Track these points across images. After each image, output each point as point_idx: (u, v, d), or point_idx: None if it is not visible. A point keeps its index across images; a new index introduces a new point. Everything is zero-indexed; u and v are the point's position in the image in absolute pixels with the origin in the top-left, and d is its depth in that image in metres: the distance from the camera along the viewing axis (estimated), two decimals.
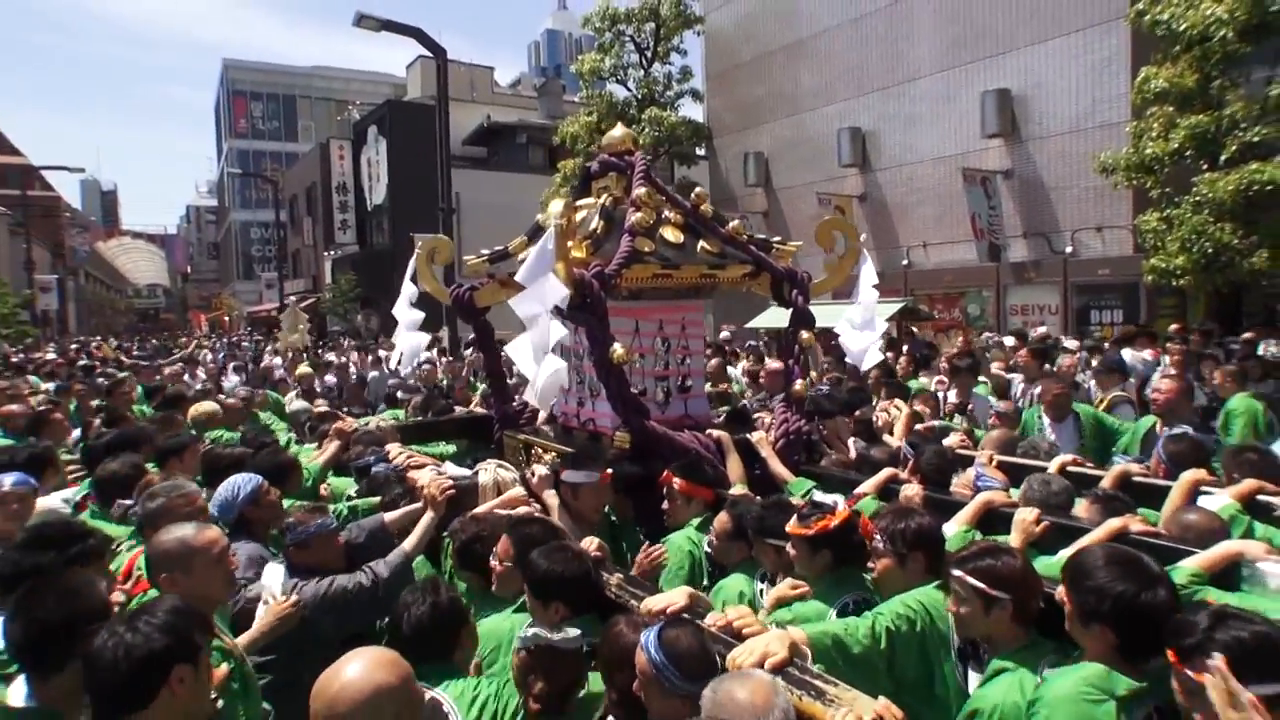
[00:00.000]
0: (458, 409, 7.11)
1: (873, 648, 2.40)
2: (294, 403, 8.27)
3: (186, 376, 12.91)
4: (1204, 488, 3.45)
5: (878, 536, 2.81)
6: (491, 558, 2.96)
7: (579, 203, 4.56)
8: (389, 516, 3.52)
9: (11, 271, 35.70)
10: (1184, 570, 2.56)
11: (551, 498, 3.65)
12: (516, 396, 5.52)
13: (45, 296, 36.41)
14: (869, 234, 19.81)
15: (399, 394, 8.71)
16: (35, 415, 6.25)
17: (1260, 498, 3.32)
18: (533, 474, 3.83)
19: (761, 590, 3.07)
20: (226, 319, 52.64)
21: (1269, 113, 8.06)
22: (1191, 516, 3.06)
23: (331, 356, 17.11)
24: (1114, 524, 2.98)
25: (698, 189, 4.89)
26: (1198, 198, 8.49)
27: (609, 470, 3.73)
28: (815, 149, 20.93)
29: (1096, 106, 15.08)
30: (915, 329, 15.82)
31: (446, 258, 5.16)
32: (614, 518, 3.88)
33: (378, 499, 3.89)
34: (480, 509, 3.50)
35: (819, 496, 3.11)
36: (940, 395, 7.20)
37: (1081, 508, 3.42)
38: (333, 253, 36.58)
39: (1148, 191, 9.78)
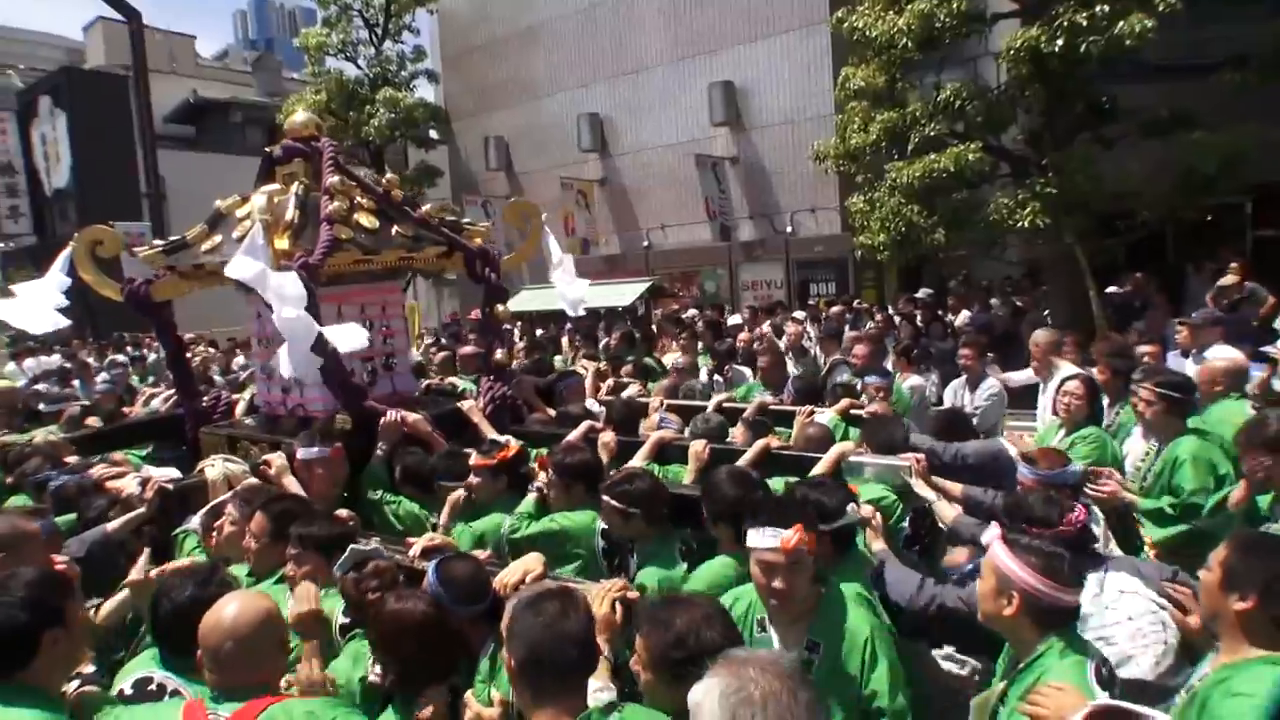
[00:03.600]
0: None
1: (514, 540, 3.32)
2: None
3: None
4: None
5: (549, 469, 3.53)
6: (246, 537, 3.12)
7: (270, 189, 4.52)
8: (111, 527, 3.50)
9: None
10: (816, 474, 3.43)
11: (293, 482, 3.79)
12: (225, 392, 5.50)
13: None
14: (610, 217, 20.53)
15: (41, 406, 7.54)
16: None
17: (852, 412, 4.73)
18: (268, 463, 3.89)
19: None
20: None
21: (938, 112, 9.42)
22: (810, 430, 4.26)
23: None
24: (760, 444, 3.91)
25: (388, 176, 5.08)
26: (891, 183, 9.74)
27: (339, 445, 3.93)
28: (555, 134, 21.19)
29: (807, 100, 16.79)
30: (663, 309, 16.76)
31: (115, 249, 4.81)
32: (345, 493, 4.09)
33: (74, 515, 3.73)
34: (222, 498, 3.55)
35: (495, 437, 3.96)
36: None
37: (737, 433, 4.49)
38: (2, 245, 30.96)
39: (853, 177, 11.06)
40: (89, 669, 2.46)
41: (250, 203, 4.42)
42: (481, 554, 3.01)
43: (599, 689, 2.05)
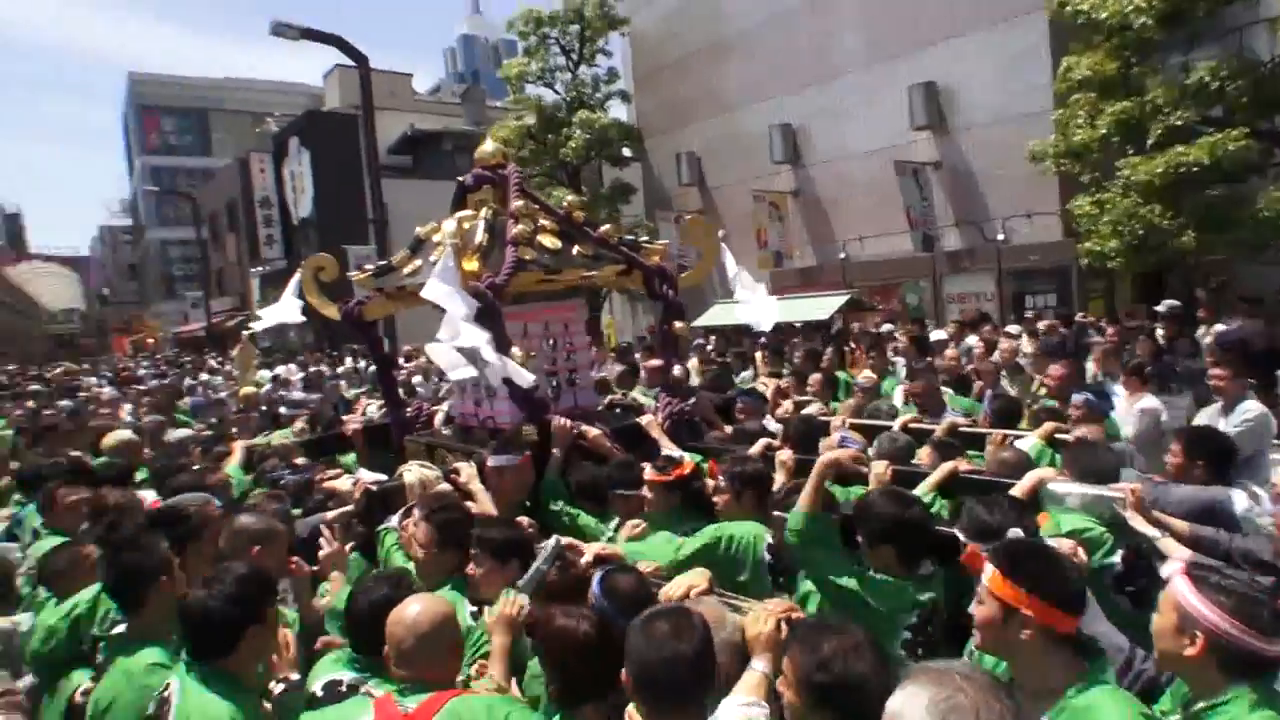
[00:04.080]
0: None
1: (692, 562, 3.07)
2: (177, 430, 7.93)
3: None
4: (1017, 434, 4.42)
5: (721, 476, 3.57)
6: (413, 545, 3.26)
7: (462, 215, 4.81)
8: (328, 516, 3.95)
9: None
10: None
11: (482, 491, 3.93)
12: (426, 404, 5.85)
13: None
14: (805, 229, 19.94)
15: (282, 410, 8.65)
16: None
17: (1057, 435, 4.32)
18: (457, 471, 4.07)
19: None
20: (150, 341, 50.44)
21: (1187, 97, 8.22)
22: (1005, 454, 3.94)
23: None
24: (947, 467, 3.66)
25: (568, 198, 5.30)
26: (1124, 181, 8.62)
27: (528, 453, 4.09)
28: (747, 146, 20.93)
29: (1019, 96, 15.36)
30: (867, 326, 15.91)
31: (333, 275, 5.35)
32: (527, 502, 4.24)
33: (299, 510, 4.28)
34: (413, 502, 3.80)
35: (670, 453, 3.95)
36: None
37: (923, 454, 4.19)
38: (260, 269, 35.27)
39: (1077, 177, 9.92)
40: (294, 676, 2.63)
41: (443, 228, 4.70)
42: (648, 567, 3.00)
43: (748, 704, 2.01)
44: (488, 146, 5.04)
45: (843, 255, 19.02)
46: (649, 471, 3.71)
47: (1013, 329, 11.07)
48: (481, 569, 2.96)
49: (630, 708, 2.15)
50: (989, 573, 2.04)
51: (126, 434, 6.42)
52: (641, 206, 23.41)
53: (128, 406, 12.24)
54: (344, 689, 2.47)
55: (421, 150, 33.37)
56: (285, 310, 5.30)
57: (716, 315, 16.31)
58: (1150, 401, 5.87)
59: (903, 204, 16.68)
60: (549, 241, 4.64)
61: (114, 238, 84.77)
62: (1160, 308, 9.32)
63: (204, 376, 16.79)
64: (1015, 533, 2.62)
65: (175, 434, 7.49)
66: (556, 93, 21.82)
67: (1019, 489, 3.29)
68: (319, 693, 2.50)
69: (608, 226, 5.13)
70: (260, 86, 63.45)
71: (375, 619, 2.40)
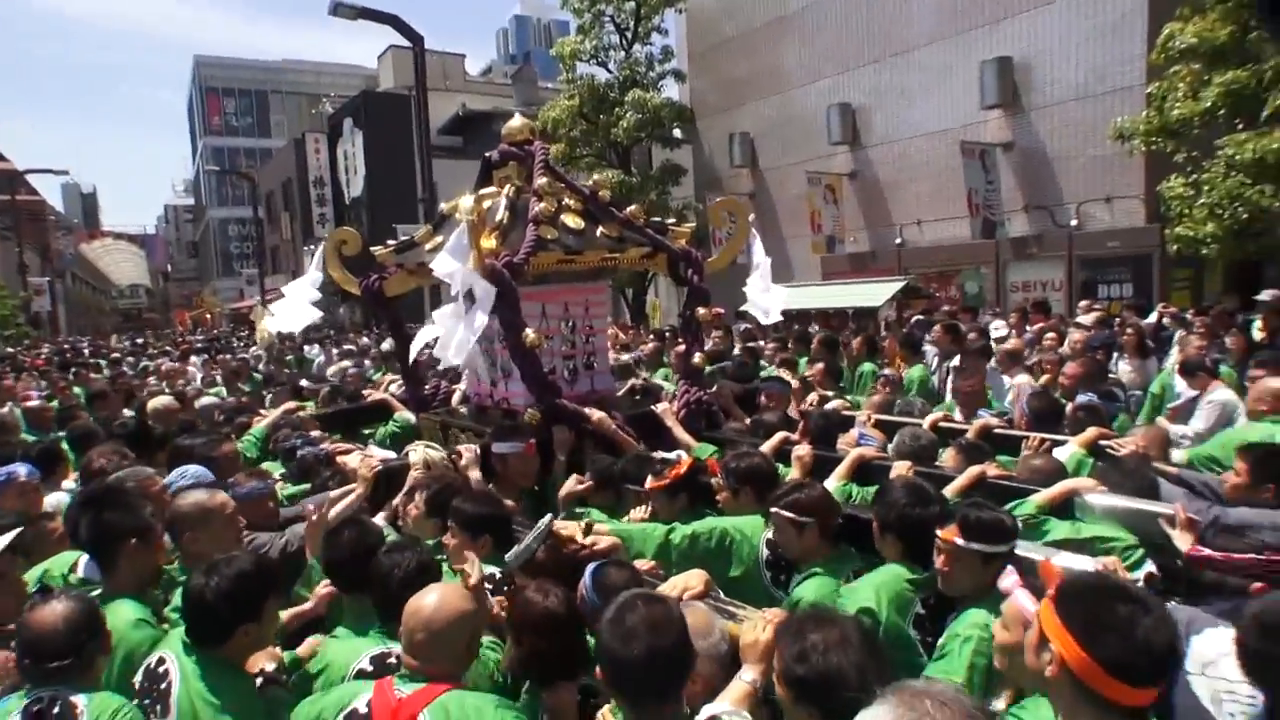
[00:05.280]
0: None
1: (682, 547, 3.10)
2: (203, 398, 8.21)
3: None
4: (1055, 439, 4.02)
5: (720, 474, 3.46)
6: (411, 506, 3.41)
7: (484, 192, 4.70)
8: (332, 494, 3.81)
9: (4, 275, 35.63)
10: (1031, 503, 3.08)
11: (475, 473, 3.90)
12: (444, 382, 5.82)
13: (39, 299, 37.65)
14: (860, 213, 19.20)
15: (303, 384, 8.57)
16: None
17: (1101, 442, 3.89)
18: (459, 454, 4.03)
19: None
20: (208, 317, 51.79)
21: None
22: (1036, 462, 3.67)
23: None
24: (973, 471, 3.44)
25: (595, 176, 4.91)
26: (1226, 160, 7.82)
27: (532, 441, 3.99)
28: (803, 127, 20.25)
29: (1107, 70, 14.38)
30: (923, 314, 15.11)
31: (355, 249, 5.24)
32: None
33: (308, 485, 4.33)
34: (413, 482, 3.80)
35: (665, 454, 3.73)
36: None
37: (948, 456, 3.93)
38: (312, 247, 35.69)
39: (1170, 157, 9.10)
40: (270, 666, 2.57)
41: (459, 204, 4.58)
42: (645, 564, 2.89)
43: (730, 713, 1.92)
44: (515, 122, 4.94)
45: (899, 240, 18.30)
46: (649, 480, 3.55)
47: (1085, 319, 10.30)
48: (454, 540, 3.02)
49: (605, 709, 2.12)
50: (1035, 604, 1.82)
51: (165, 400, 6.86)
52: (691, 188, 22.85)
53: (199, 374, 12.94)
54: (393, 660, 2.42)
55: (471, 130, 33.34)
56: (304, 288, 5.26)
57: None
58: (1223, 394, 5.47)
59: (965, 187, 15.85)
60: (572, 221, 4.53)
61: (177, 216, 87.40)
62: (1264, 296, 8.45)
63: (254, 350, 16.95)
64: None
65: (201, 402, 7.65)
66: (609, 72, 21.35)
67: (1045, 494, 3.13)
68: (367, 666, 2.46)
69: (633, 207, 5.00)
70: (317, 68, 64.37)
71: (406, 593, 2.33)
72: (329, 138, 35.40)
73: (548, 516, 2.90)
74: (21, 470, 3.99)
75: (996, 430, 4.36)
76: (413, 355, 5.01)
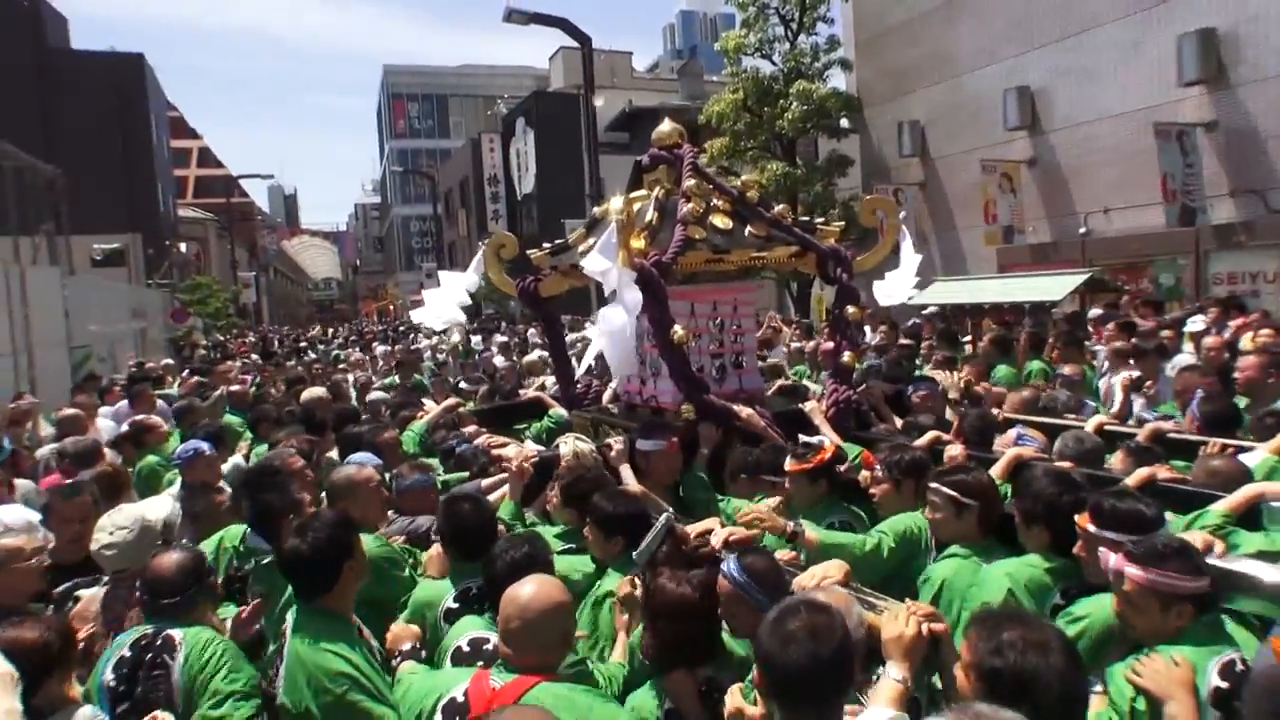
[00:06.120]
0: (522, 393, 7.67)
1: (874, 558, 3.00)
2: (374, 392, 8.77)
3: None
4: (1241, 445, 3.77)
5: (878, 466, 3.42)
6: (551, 495, 3.61)
7: (634, 195, 4.84)
8: (485, 482, 4.18)
9: (219, 270, 40.73)
10: (1215, 512, 2.85)
11: (626, 469, 3.94)
12: (596, 380, 5.95)
13: (247, 292, 42.23)
14: (1040, 201, 18.27)
15: (462, 384, 9.01)
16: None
17: None
18: (609, 446, 4.12)
19: None
20: (391, 308, 55.96)
21: None
22: (1216, 464, 3.45)
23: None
24: (1142, 473, 3.30)
25: (743, 178, 5.09)
26: None
27: (674, 440, 4.02)
28: (976, 113, 19.42)
29: None
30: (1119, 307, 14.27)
31: (512, 253, 5.38)
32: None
33: (466, 474, 4.60)
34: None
35: (808, 439, 3.65)
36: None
37: (1116, 459, 3.82)
38: (485, 243, 37.87)
39: None
40: (407, 646, 2.75)
41: (609, 206, 4.82)
42: (785, 555, 2.93)
43: (882, 716, 1.88)
44: (665, 127, 5.06)
45: (1083, 230, 17.20)
46: (788, 461, 3.54)
47: None
48: (590, 537, 3.13)
49: (735, 686, 2.17)
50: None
51: (318, 391, 7.82)
52: (859, 179, 22.49)
53: (380, 363, 14.03)
54: (489, 647, 2.49)
55: (638, 127, 34.10)
56: (457, 285, 5.42)
57: (936, 293, 15.36)
58: None
59: (1160, 171, 14.76)
60: (720, 221, 4.63)
61: (365, 214, 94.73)
62: None
63: (426, 341, 18.29)
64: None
65: (371, 397, 8.27)
66: (774, 64, 21.39)
67: (1230, 500, 2.90)
68: (465, 646, 2.57)
69: (781, 207, 5.05)
70: (491, 71, 67.79)
71: (510, 580, 2.41)
72: (503, 137, 37.25)
73: (664, 515, 2.95)
74: (205, 447, 4.81)
75: (1170, 435, 4.19)
76: (582, 367, 5.33)
